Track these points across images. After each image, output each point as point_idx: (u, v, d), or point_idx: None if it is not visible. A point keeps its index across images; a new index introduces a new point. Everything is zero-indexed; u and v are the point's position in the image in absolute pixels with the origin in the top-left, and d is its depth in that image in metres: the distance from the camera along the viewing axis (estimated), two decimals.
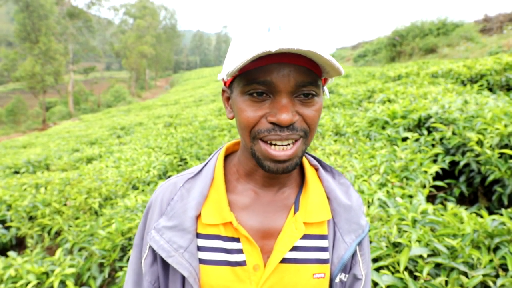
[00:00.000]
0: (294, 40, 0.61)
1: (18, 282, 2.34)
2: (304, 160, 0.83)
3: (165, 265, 0.76)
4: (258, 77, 0.63)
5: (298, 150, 0.67)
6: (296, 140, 0.67)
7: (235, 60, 0.63)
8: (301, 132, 0.66)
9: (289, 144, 0.66)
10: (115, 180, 4.44)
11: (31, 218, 3.71)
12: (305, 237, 0.75)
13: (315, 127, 0.69)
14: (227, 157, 0.84)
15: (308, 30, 0.65)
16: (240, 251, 0.73)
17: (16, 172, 6.56)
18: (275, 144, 0.66)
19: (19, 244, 3.60)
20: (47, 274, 2.46)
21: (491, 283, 1.64)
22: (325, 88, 0.78)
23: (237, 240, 0.73)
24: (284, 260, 0.73)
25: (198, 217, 0.75)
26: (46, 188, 4.45)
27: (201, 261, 0.73)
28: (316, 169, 0.83)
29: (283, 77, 0.62)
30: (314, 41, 0.63)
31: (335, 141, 4.33)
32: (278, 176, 0.76)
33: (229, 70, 0.62)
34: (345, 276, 0.79)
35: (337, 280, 0.77)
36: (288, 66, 0.62)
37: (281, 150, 0.66)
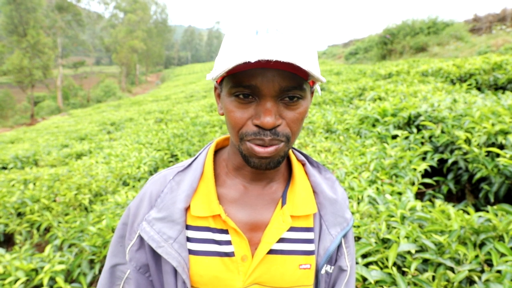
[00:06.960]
0: (278, 47, 0.61)
1: (6, 279, 2.31)
2: (292, 155, 0.85)
3: (157, 257, 0.78)
4: (243, 81, 0.64)
5: (280, 150, 0.70)
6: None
7: (220, 63, 0.65)
8: (283, 138, 0.68)
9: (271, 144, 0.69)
10: (105, 176, 4.41)
11: (19, 215, 3.67)
12: (292, 229, 0.78)
13: (297, 131, 0.71)
14: (217, 151, 0.86)
15: (297, 33, 0.65)
16: (229, 242, 0.75)
17: (4, 168, 6.46)
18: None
19: (7, 241, 3.56)
20: (36, 271, 2.44)
21: (476, 278, 1.67)
22: (317, 85, 0.79)
23: (226, 232, 0.75)
24: (271, 251, 0.76)
25: (187, 209, 0.76)
26: (34, 184, 4.40)
27: (191, 252, 0.75)
28: (303, 164, 0.86)
29: (267, 82, 0.63)
30: (300, 47, 0.63)
31: (326, 138, 4.36)
32: (265, 171, 0.78)
33: (213, 75, 0.64)
34: (330, 268, 0.82)
35: (322, 271, 0.80)
36: (272, 71, 0.63)
37: (264, 147, 0.68)
